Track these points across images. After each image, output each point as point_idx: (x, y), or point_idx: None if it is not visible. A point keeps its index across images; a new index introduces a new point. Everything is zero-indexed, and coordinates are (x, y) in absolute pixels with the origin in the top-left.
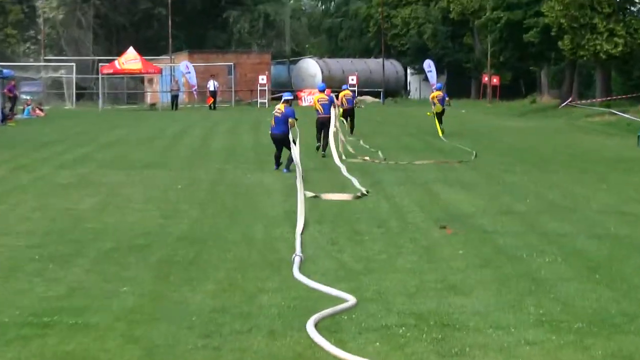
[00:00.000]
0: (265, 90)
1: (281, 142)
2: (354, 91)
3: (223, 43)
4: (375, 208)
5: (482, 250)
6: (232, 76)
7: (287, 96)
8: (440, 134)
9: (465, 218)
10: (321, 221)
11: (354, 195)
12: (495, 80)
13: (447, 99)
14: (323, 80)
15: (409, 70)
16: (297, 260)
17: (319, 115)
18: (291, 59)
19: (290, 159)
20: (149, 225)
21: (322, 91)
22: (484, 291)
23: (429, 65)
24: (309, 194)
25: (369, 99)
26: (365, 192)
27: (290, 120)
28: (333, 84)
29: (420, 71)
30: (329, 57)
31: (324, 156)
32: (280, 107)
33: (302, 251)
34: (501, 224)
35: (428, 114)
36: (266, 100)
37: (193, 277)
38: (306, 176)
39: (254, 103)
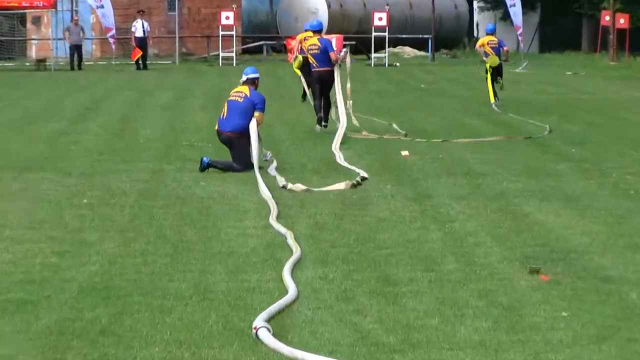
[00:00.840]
0: (231, 36)
1: (237, 145)
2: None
3: None
4: (419, 238)
5: (601, 311)
6: (176, 13)
7: (250, 74)
8: (492, 100)
9: (573, 255)
10: (326, 260)
11: (353, 182)
12: (622, 22)
13: (504, 48)
14: (331, 20)
15: (475, 4)
16: (263, 333)
17: (313, 69)
18: None
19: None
20: (33, 269)
21: (316, 32)
22: None
23: None
24: (281, 181)
25: (408, 51)
26: (360, 180)
27: (257, 114)
28: (349, 27)
29: (496, 5)
30: None
31: (325, 126)
32: (242, 89)
33: (295, 312)
34: (633, 267)
35: (488, 68)
36: (233, 54)
37: (107, 356)
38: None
39: (212, 59)
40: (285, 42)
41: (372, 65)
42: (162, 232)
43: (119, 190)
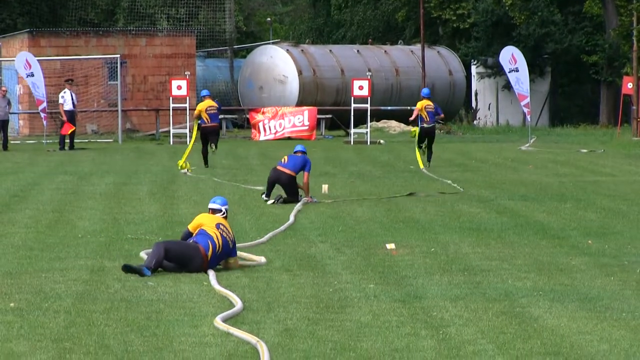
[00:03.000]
0: (184, 109)
1: None
2: (216, 106)
3: (99, 15)
4: (408, 346)
5: None
6: (119, 82)
7: (221, 204)
8: (421, 166)
9: None
10: None
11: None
12: None
13: (440, 115)
14: (303, 89)
15: (474, 70)
16: None
17: (278, 166)
18: (237, 47)
19: None
20: None
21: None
22: None
23: (509, 57)
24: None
25: (394, 125)
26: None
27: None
28: (324, 98)
29: (499, 70)
30: (313, 44)
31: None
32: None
33: None
34: None
35: (412, 132)
36: (186, 130)
37: None
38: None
39: (161, 136)
40: (248, 116)
41: (352, 142)
42: (104, 342)
43: (52, 293)
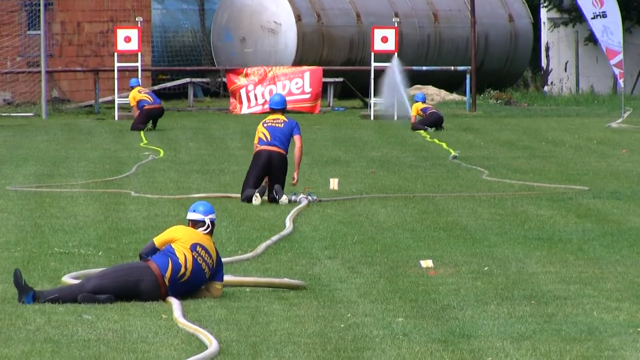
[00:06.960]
0: (135, 69)
1: None
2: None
3: None
4: None
5: None
6: (42, 32)
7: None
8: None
9: None
10: None
11: None
12: None
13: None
14: (303, 42)
15: (544, 14)
16: None
17: (262, 145)
18: None
19: None
20: None
21: (275, 110)
22: None
23: None
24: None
25: (432, 92)
26: None
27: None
28: (333, 54)
29: (579, 15)
30: None
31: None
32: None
33: None
34: None
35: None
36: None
37: None
38: None
39: (102, 108)
40: (225, 80)
41: (372, 117)
42: None
43: None
